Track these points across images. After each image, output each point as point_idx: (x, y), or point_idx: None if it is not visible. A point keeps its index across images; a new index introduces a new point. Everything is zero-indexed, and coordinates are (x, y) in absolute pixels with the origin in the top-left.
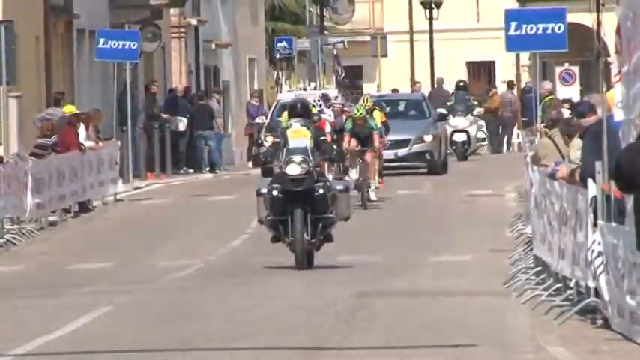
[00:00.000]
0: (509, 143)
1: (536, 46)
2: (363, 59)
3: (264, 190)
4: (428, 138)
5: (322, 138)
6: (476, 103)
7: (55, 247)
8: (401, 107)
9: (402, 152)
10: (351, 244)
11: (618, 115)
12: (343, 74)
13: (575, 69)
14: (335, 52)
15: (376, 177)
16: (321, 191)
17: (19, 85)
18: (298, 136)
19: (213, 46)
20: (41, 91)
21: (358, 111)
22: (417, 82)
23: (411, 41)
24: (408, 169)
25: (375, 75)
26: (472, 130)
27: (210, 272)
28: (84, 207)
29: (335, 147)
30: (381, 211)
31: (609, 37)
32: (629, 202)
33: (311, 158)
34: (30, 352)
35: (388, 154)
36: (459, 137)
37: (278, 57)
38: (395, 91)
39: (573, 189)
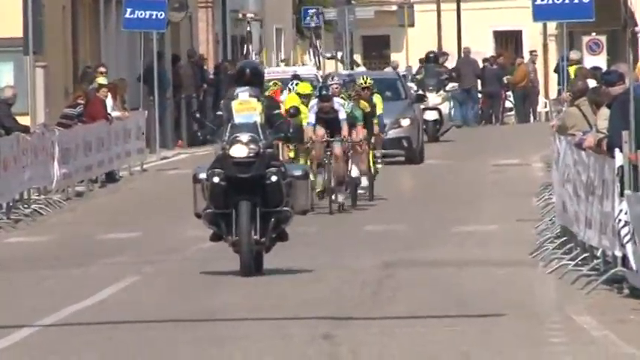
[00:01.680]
0: (535, 113)
1: (563, 16)
2: (389, 29)
3: (203, 176)
4: (405, 122)
5: (275, 112)
6: (447, 77)
7: (81, 218)
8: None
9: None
10: (377, 214)
11: None
12: (322, 48)
13: (603, 39)
14: (313, 24)
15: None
16: (273, 178)
17: (45, 55)
18: (245, 108)
19: (240, 15)
20: (68, 61)
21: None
22: (444, 53)
23: (438, 11)
24: (382, 157)
25: (401, 45)
26: (444, 108)
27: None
28: (111, 177)
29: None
30: (408, 180)
31: (637, 7)
32: None
33: (261, 137)
34: (57, 322)
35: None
36: (430, 115)
37: (310, 25)
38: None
39: (600, 158)
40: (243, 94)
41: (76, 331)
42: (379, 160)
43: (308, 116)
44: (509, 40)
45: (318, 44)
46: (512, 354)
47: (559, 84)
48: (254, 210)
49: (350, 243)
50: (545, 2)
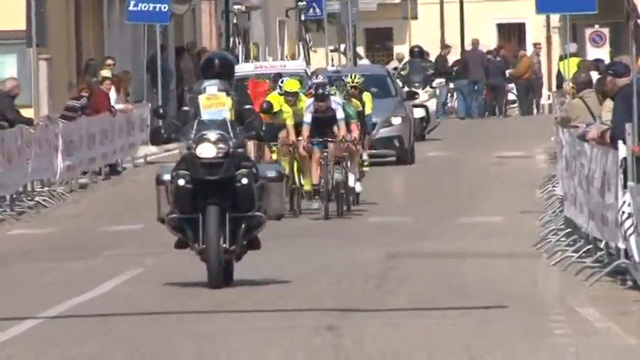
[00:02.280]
0: (538, 105)
1: (566, 8)
2: (393, 21)
3: (167, 177)
4: (396, 120)
5: (247, 107)
6: (433, 72)
7: (84, 210)
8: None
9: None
10: (381, 206)
11: None
12: (311, 43)
13: (605, 31)
14: (303, 17)
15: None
16: (244, 181)
17: (49, 48)
18: (214, 104)
19: (243, 7)
20: (71, 53)
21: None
22: (447, 46)
23: (441, 3)
24: (372, 157)
25: (405, 37)
26: (431, 105)
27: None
28: (114, 169)
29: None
30: (412, 172)
31: None
32: None
33: (231, 135)
34: (60, 314)
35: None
36: (417, 113)
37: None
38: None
39: (604, 150)
40: (210, 87)
41: (78, 323)
42: (366, 163)
43: (305, 115)
44: (512, 33)
45: (307, 38)
46: (514, 346)
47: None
48: (223, 215)
49: (353, 235)
50: None
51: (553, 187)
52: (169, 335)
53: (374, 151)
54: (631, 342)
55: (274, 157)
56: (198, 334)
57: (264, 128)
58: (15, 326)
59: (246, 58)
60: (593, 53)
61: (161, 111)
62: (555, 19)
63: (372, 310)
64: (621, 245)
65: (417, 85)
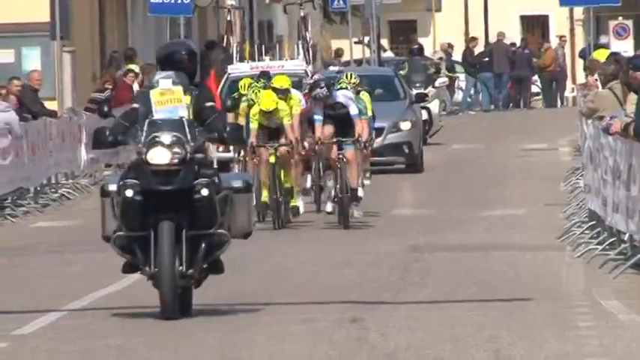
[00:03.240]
0: (562, 97)
1: (590, 0)
2: (417, 13)
3: (113, 188)
4: (405, 125)
5: (208, 105)
6: (434, 71)
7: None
8: (366, 86)
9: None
10: (405, 199)
11: None
12: (311, 41)
13: (629, 23)
14: (302, 14)
15: (362, 180)
16: (204, 192)
17: (72, 40)
18: (168, 100)
19: (267, 0)
20: (95, 46)
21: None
22: (474, 38)
23: None
24: (381, 165)
25: (429, 30)
26: (434, 107)
27: (263, 227)
28: None
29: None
30: (436, 165)
31: None
32: None
33: (189, 137)
34: (84, 307)
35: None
36: None
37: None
38: (450, 47)
39: (628, 143)
40: (164, 81)
41: (103, 316)
42: (368, 174)
43: (314, 112)
44: (535, 25)
45: (307, 36)
46: (538, 338)
47: (585, 69)
48: (179, 233)
49: (377, 227)
50: None
51: (577, 179)
52: (192, 328)
53: (381, 159)
54: None
55: (272, 160)
56: (220, 327)
57: (227, 129)
58: (40, 318)
59: (241, 59)
60: (616, 46)
61: (105, 109)
62: (579, 11)
63: (395, 303)
64: None
65: (418, 85)
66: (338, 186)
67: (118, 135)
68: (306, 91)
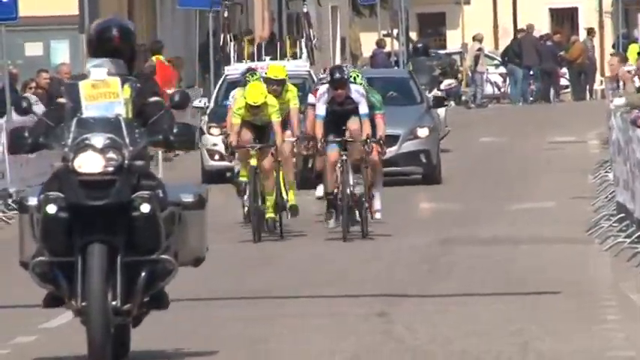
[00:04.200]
0: (591, 90)
1: None
2: (445, 6)
3: (33, 203)
4: (423, 132)
5: (152, 100)
6: (440, 71)
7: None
8: (380, 89)
9: (387, 153)
10: (433, 192)
11: None
12: (315, 39)
13: None
14: (305, 9)
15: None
16: (145, 208)
17: None
18: (102, 94)
19: None
20: None
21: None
22: (522, 30)
23: None
24: (396, 175)
25: (457, 22)
26: (440, 111)
27: (292, 222)
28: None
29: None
30: (463, 158)
31: None
32: None
33: (127, 140)
34: None
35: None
36: None
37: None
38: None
39: None
40: (97, 70)
41: None
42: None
43: (317, 107)
44: (565, 17)
45: (311, 33)
46: (566, 332)
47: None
48: (112, 258)
49: (405, 220)
50: None
51: (605, 172)
52: (218, 320)
53: (397, 169)
54: None
55: (253, 162)
56: (248, 319)
57: (175, 131)
58: (66, 312)
59: (239, 58)
60: None
61: (24, 104)
62: (608, 3)
63: (422, 296)
64: None
65: (422, 87)
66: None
67: (39, 136)
68: (317, 87)
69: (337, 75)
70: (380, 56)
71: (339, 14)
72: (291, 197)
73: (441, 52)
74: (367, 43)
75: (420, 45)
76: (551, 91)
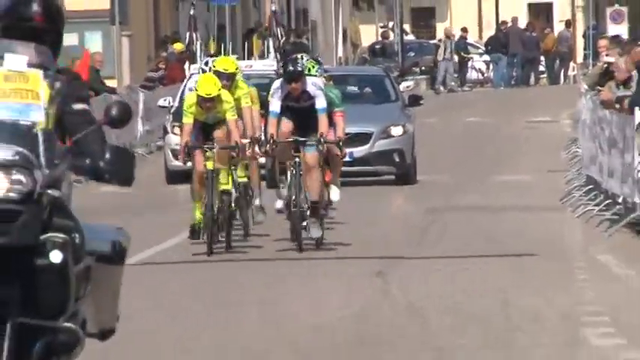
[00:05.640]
0: (566, 75)
1: None
2: (435, 1)
3: None
4: (397, 131)
5: (78, 107)
6: (398, 73)
7: (161, 170)
8: (354, 87)
9: (359, 152)
10: (423, 165)
11: None
12: (284, 38)
13: (624, 9)
14: (273, 8)
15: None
16: (56, 257)
17: (130, 25)
18: (15, 92)
19: None
20: (150, 31)
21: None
22: (505, 22)
23: None
24: (368, 175)
25: (446, 15)
26: None
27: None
28: None
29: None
30: (451, 136)
31: None
32: None
33: (43, 160)
34: (140, 261)
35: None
36: None
37: None
38: (464, 31)
39: (622, 116)
40: (14, 57)
41: (158, 269)
42: (337, 187)
43: (270, 102)
44: (541, 11)
45: (279, 32)
46: (542, 289)
47: (585, 49)
48: (1, 319)
49: (398, 191)
50: None
51: (576, 148)
52: (235, 283)
53: (369, 168)
54: None
55: (209, 165)
56: (262, 278)
57: (107, 157)
58: None
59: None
60: (613, 29)
61: None
62: None
63: (416, 258)
64: (637, 200)
65: None
66: (293, 197)
67: None
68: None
69: (291, 68)
70: (386, 45)
71: (341, 8)
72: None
73: (426, 42)
74: (366, 34)
75: (378, 46)
76: (532, 77)
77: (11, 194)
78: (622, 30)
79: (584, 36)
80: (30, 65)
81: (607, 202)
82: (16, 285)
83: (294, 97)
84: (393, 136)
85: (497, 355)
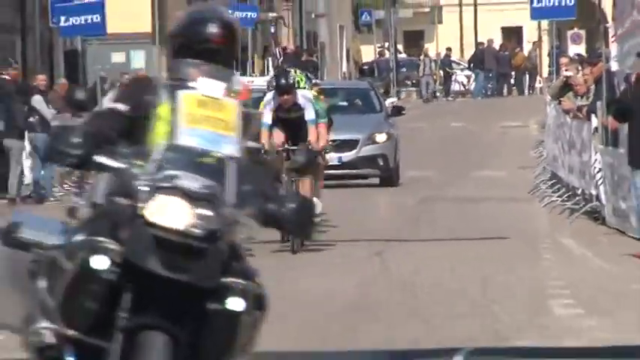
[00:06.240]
0: (532, 87)
1: (553, 15)
2: (424, 25)
3: (54, 242)
4: (381, 137)
5: (252, 145)
6: (383, 91)
7: None
8: (342, 99)
9: (347, 156)
10: (412, 162)
11: (614, 67)
12: (281, 58)
13: (582, 32)
14: (272, 30)
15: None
16: (235, 304)
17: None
18: (208, 119)
19: (313, 15)
20: None
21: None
22: (364, 66)
23: (460, 11)
24: (355, 178)
25: (433, 37)
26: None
27: None
28: None
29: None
30: (438, 138)
31: (608, 9)
32: (623, 131)
33: (229, 198)
34: None
35: (330, 158)
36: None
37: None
38: (449, 50)
39: (582, 123)
40: (210, 83)
41: None
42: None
43: (263, 114)
44: (512, 34)
45: (277, 52)
46: (514, 267)
47: (549, 65)
48: (175, 356)
49: (384, 191)
50: (539, 5)
51: (542, 149)
52: None
53: (355, 171)
54: (600, 264)
55: None
56: (273, 262)
57: (292, 206)
58: None
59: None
60: (573, 49)
61: (78, 96)
62: (545, 23)
63: (411, 240)
64: (593, 192)
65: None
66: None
67: (94, 149)
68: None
69: (282, 81)
70: (382, 61)
71: (345, 31)
72: None
73: (417, 59)
74: (365, 53)
75: (366, 67)
76: (505, 89)
77: (195, 230)
78: (580, 49)
79: (548, 55)
80: (228, 93)
81: (568, 193)
82: (187, 326)
83: (285, 108)
84: (378, 143)
85: (475, 322)
